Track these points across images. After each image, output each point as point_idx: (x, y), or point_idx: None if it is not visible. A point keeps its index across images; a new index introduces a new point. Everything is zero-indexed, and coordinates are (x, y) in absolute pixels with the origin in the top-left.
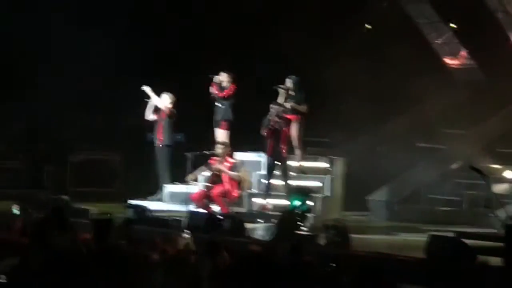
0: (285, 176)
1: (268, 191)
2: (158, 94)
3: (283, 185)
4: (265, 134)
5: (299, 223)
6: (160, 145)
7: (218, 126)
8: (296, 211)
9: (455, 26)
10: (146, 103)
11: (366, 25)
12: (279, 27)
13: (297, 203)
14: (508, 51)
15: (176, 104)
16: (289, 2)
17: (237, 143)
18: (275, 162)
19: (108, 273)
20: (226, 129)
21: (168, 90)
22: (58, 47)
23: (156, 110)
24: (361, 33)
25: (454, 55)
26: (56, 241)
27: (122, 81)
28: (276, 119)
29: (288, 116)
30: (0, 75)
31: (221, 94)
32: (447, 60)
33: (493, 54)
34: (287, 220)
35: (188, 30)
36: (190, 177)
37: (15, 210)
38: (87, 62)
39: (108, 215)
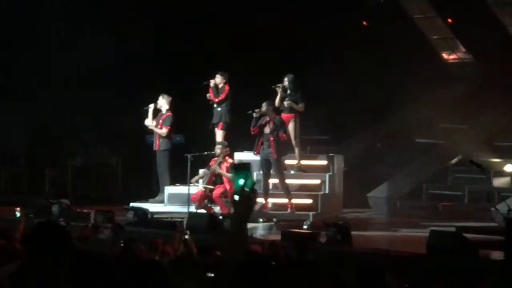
0: (279, 175)
1: (266, 190)
2: (156, 95)
3: (279, 183)
4: (252, 132)
5: (251, 201)
6: (158, 149)
7: (216, 127)
8: (245, 189)
9: (451, 21)
10: (146, 112)
11: (363, 22)
12: (277, 26)
13: (241, 181)
14: (505, 45)
15: (173, 104)
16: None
17: (236, 143)
18: (267, 160)
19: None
20: (223, 130)
21: (167, 91)
22: (58, 50)
23: (155, 115)
24: (358, 30)
25: (451, 50)
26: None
27: (121, 84)
28: (267, 118)
29: (285, 115)
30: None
31: (217, 100)
32: (445, 55)
33: (491, 48)
34: (241, 203)
35: (187, 32)
36: (194, 179)
37: (18, 214)
38: (87, 66)
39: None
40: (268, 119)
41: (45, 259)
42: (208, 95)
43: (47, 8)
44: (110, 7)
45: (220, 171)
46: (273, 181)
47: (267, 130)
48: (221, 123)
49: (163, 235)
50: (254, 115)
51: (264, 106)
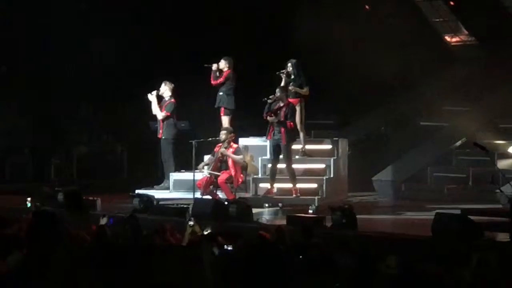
0: (287, 160)
1: (273, 175)
2: (161, 82)
3: (286, 168)
4: (266, 118)
5: None
6: (161, 137)
7: (219, 112)
8: None
9: (453, 3)
10: (150, 102)
11: (366, 6)
12: (278, 12)
13: None
14: (507, 27)
15: (175, 91)
16: None
17: (241, 129)
18: (278, 146)
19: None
20: (226, 115)
21: (171, 77)
22: (60, 39)
23: (158, 101)
24: (360, 14)
25: (454, 32)
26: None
27: (125, 72)
28: (280, 104)
29: (291, 100)
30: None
31: (214, 83)
32: (448, 38)
33: (493, 30)
34: None
35: (189, 15)
36: (201, 165)
37: (28, 204)
38: (89, 54)
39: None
40: (281, 104)
41: (42, 248)
42: (213, 70)
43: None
44: None
45: (227, 153)
46: (279, 166)
47: (279, 116)
48: (222, 108)
49: (169, 222)
50: (269, 101)
51: (278, 92)
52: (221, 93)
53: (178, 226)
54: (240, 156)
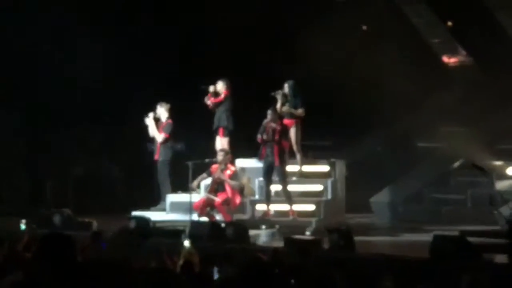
0: (282, 181)
1: (268, 196)
2: (157, 103)
3: (282, 190)
4: (259, 140)
5: None
6: (158, 159)
7: (216, 133)
8: None
9: (451, 24)
10: (147, 126)
11: (363, 27)
12: (278, 31)
13: None
14: (505, 47)
15: (171, 111)
16: (287, 6)
17: (239, 150)
18: (270, 167)
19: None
20: (224, 136)
21: (168, 98)
22: (56, 58)
23: (156, 123)
24: (357, 34)
25: (452, 53)
26: None
27: (122, 93)
28: (273, 125)
29: (286, 121)
30: None
31: (213, 101)
32: (445, 59)
33: (491, 51)
34: None
35: (187, 37)
36: (193, 184)
37: (23, 226)
38: (86, 73)
39: None
40: (273, 126)
41: (51, 271)
42: (206, 98)
43: (47, 17)
44: (111, 15)
45: (224, 178)
46: (274, 188)
47: (269, 136)
48: (221, 129)
49: (166, 244)
50: (263, 123)
51: (269, 114)
52: (217, 114)
53: (175, 248)
54: (236, 183)
